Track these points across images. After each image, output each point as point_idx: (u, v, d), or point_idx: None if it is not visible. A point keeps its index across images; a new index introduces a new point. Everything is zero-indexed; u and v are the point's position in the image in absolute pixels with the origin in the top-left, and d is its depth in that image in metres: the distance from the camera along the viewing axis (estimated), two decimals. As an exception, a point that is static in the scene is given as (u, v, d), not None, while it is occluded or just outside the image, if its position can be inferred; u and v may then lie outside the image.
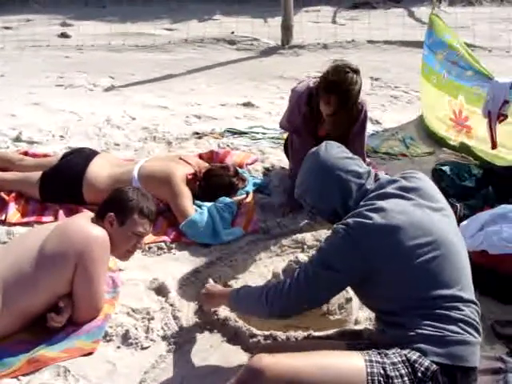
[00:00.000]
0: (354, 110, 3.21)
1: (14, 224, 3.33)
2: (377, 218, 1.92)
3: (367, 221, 1.92)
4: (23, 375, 2.28)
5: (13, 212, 3.39)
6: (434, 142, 4.45)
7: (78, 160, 3.51)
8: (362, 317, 2.68)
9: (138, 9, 8.41)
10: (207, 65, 6.33)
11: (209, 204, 3.36)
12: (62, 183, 3.43)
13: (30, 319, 2.47)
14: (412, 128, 4.76)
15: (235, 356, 2.41)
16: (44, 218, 3.37)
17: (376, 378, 1.75)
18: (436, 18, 4.51)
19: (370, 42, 6.78)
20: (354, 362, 1.80)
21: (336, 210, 2.12)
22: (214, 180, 3.47)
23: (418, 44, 6.66)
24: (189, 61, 6.47)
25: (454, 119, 4.28)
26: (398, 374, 1.76)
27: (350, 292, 2.61)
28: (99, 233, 2.50)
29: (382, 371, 1.76)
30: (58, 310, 2.46)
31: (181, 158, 3.58)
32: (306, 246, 3.18)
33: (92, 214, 2.71)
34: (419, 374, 1.76)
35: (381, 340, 1.99)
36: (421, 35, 7.04)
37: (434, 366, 1.78)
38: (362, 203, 2.03)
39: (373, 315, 2.66)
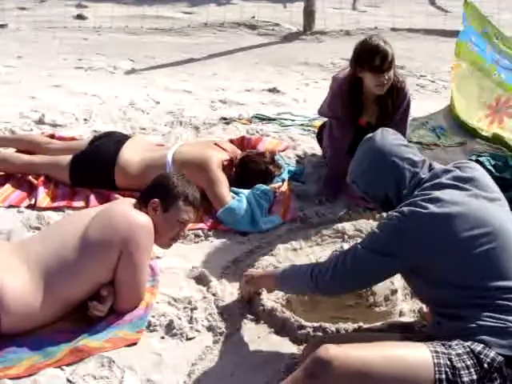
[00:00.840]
0: (398, 93, 3.16)
1: (44, 208, 3.24)
2: (432, 207, 1.90)
3: (422, 210, 1.90)
4: (67, 365, 2.20)
5: (43, 196, 3.30)
6: (464, 133, 4.35)
7: (109, 144, 3.42)
8: (405, 308, 2.63)
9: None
10: (228, 49, 6.20)
11: (246, 191, 3.27)
12: (93, 168, 3.34)
13: (71, 307, 2.39)
14: (441, 118, 4.65)
15: (284, 347, 2.34)
16: (74, 203, 3.29)
17: (443, 369, 1.70)
18: (471, 7, 4.39)
19: (393, 29, 6.66)
20: (420, 352, 1.76)
21: (388, 196, 2.11)
22: (251, 167, 3.38)
23: (442, 33, 6.56)
24: (209, 45, 6.35)
25: (493, 106, 4.18)
26: (464, 365, 1.72)
27: (395, 284, 2.56)
28: (144, 219, 2.42)
29: (448, 362, 1.72)
30: (99, 299, 2.38)
31: (216, 144, 3.49)
32: (346, 236, 3.08)
33: (133, 200, 2.62)
34: (485, 366, 1.72)
35: (436, 332, 1.95)
36: (443, 24, 6.98)
37: (500, 357, 1.74)
38: (416, 192, 2.01)
39: (417, 307, 2.63)
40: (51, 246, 2.36)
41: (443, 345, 1.78)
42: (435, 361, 1.71)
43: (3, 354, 2.23)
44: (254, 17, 6.96)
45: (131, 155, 3.36)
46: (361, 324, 2.42)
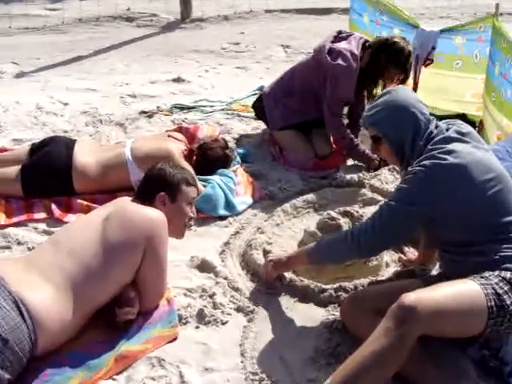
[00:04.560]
0: None
1: (4, 226, 3.00)
2: (450, 158, 2.14)
3: (443, 162, 2.13)
4: (116, 374, 2.14)
5: (-3, 214, 3.05)
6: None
7: (59, 149, 3.22)
8: (388, 260, 2.89)
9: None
10: (113, 44, 6.02)
11: (212, 177, 3.32)
12: (49, 176, 3.14)
13: (96, 313, 2.30)
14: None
15: (313, 312, 2.48)
16: (36, 215, 3.10)
17: (491, 297, 1.96)
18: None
19: (267, 11, 6.93)
20: (473, 287, 1.99)
21: (404, 145, 2.29)
22: (210, 154, 3.42)
23: (313, 11, 6.98)
24: (90, 41, 6.10)
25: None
26: (503, 290, 1.98)
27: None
28: (161, 215, 2.39)
29: (493, 291, 1.97)
30: (127, 302, 2.32)
31: (169, 135, 3.46)
32: (317, 205, 3.31)
33: (129, 198, 2.57)
34: None
35: (455, 269, 2.19)
36: (307, 2, 7.41)
37: None
38: (430, 147, 2.23)
39: (394, 257, 2.91)
40: (70, 255, 2.23)
41: (482, 277, 2.02)
42: (484, 291, 1.96)
43: (48, 377, 2.09)
44: (129, 9, 6.81)
45: (86, 158, 3.22)
46: (371, 278, 2.64)
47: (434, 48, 4.18)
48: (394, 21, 4.41)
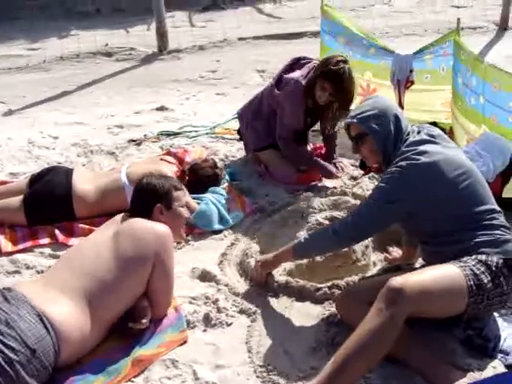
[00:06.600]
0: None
1: (12, 252, 3.17)
2: (423, 158, 2.39)
3: (417, 162, 2.38)
4: (134, 377, 2.31)
5: (4, 242, 3.21)
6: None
7: (59, 178, 3.41)
8: (375, 259, 3.12)
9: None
10: (95, 78, 6.24)
11: (205, 195, 3.53)
12: (51, 204, 3.32)
13: (112, 324, 2.47)
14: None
15: (310, 309, 2.68)
16: (41, 241, 3.26)
17: (470, 277, 2.20)
18: (328, 8, 5.08)
19: (240, 39, 7.24)
20: (453, 269, 2.23)
21: (387, 143, 2.51)
22: (201, 173, 3.64)
23: (283, 36, 7.31)
24: (73, 77, 6.30)
25: (361, 93, 4.90)
26: (480, 271, 2.22)
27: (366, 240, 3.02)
28: (166, 228, 2.58)
29: (471, 271, 2.21)
30: (139, 312, 2.50)
31: (161, 159, 3.67)
32: (304, 214, 3.53)
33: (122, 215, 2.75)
34: (493, 268, 2.25)
35: (436, 259, 2.40)
36: (278, 28, 7.76)
37: (500, 260, 2.28)
38: (404, 148, 2.48)
39: (380, 257, 3.14)
40: (84, 271, 2.41)
41: (460, 261, 2.26)
42: (463, 273, 2.20)
43: (72, 383, 2.26)
44: (107, 44, 7.05)
45: (85, 185, 3.41)
46: (361, 275, 2.87)
47: (411, 71, 4.49)
48: (372, 43, 4.70)
